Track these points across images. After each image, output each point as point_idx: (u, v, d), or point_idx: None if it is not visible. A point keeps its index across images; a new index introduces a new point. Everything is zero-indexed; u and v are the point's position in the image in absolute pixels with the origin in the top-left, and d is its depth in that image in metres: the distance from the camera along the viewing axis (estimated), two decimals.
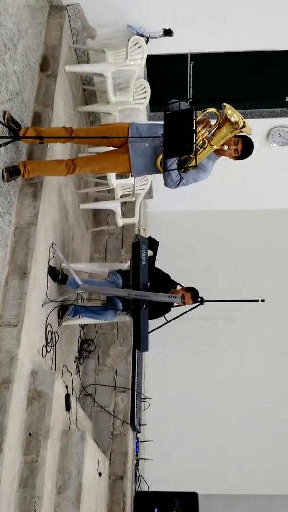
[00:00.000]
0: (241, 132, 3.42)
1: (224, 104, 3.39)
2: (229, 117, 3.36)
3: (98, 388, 4.97)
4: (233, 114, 3.36)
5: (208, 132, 3.44)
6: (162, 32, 5.12)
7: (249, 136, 3.57)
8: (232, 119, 3.36)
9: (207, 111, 3.42)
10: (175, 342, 6.15)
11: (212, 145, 3.47)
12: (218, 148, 3.49)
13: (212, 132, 3.45)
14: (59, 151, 4.34)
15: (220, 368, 6.21)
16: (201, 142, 3.42)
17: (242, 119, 3.38)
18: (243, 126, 3.37)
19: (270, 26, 5.07)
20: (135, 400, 4.98)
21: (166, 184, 3.61)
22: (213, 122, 3.48)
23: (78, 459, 3.44)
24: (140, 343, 3.56)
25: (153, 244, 4.59)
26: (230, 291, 5.99)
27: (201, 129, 3.41)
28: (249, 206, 7.06)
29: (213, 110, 3.43)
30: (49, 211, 4.02)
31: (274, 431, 5.93)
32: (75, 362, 4.86)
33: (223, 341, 6.33)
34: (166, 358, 6.22)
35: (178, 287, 4.42)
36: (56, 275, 4.05)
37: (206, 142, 3.44)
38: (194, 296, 4.31)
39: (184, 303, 4.29)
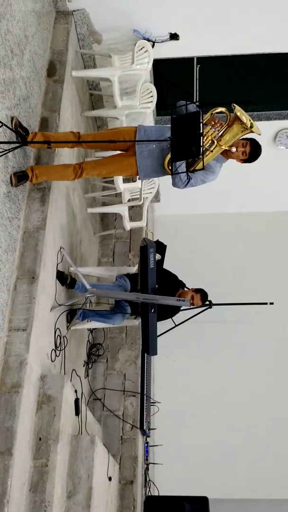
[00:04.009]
0: (251, 132, 3.42)
1: (234, 104, 3.39)
2: (239, 116, 3.36)
3: (107, 392, 4.97)
4: (242, 114, 3.37)
5: (217, 132, 3.44)
6: (168, 36, 5.13)
7: (257, 138, 3.58)
8: (243, 119, 3.36)
9: (216, 110, 3.42)
10: (183, 346, 6.13)
11: (221, 146, 3.46)
12: (227, 149, 3.49)
13: (222, 132, 3.45)
14: (66, 155, 4.35)
15: (229, 372, 6.18)
16: (209, 142, 3.42)
17: (250, 120, 3.39)
18: (251, 126, 3.38)
19: (275, 28, 5.06)
20: (144, 404, 4.96)
21: (174, 184, 3.61)
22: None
23: (88, 464, 3.43)
24: (148, 347, 3.55)
25: (161, 247, 4.58)
26: (238, 294, 5.98)
27: (210, 129, 3.41)
28: (256, 208, 7.04)
29: (222, 109, 3.43)
30: (57, 216, 4.03)
31: (284, 436, 5.89)
32: (84, 366, 4.86)
33: (232, 344, 6.30)
34: (175, 362, 6.20)
35: (186, 289, 4.41)
36: (65, 279, 4.05)
37: (215, 142, 3.44)
38: (203, 297, 4.29)
39: (193, 304, 4.27)
